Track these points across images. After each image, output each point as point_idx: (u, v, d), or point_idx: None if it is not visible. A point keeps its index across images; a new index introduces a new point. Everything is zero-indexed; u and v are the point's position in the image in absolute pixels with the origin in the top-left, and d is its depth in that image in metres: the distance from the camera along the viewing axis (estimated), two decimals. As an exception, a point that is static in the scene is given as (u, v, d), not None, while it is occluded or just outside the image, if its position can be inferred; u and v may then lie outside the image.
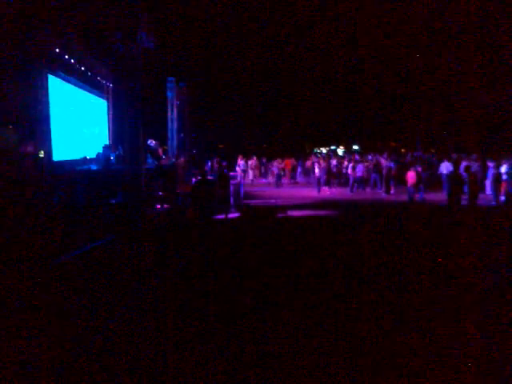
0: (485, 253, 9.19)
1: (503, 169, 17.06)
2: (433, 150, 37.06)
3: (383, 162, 21.65)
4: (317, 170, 21.11)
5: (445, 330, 5.32)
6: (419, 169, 17.34)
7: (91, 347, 4.88)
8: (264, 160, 29.70)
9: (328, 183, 20.71)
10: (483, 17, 29.81)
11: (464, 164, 18.50)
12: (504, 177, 16.78)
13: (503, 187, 16.71)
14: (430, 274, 7.67)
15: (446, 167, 21.52)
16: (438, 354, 4.78)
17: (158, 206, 14.87)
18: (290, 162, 27.46)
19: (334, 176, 25.36)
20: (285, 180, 26.32)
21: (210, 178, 14.53)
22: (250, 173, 26.74)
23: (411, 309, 6.04)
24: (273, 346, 4.96)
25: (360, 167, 20.58)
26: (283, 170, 26.31)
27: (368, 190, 20.62)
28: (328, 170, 21.02)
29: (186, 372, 4.42)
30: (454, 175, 14.47)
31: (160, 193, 15.51)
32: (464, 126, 37.78)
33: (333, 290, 6.84)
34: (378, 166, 20.96)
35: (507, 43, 30.06)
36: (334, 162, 26.66)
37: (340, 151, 49.82)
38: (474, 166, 18.59)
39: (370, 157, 26.17)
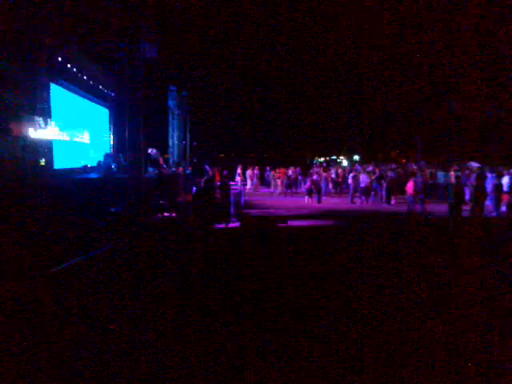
0: (485, 262, 9.17)
1: (505, 180, 16.93)
2: (430, 160, 37.10)
3: (388, 173, 21.58)
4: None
5: (444, 341, 5.31)
6: (419, 179, 17.31)
7: (91, 355, 4.87)
8: (267, 169, 29.70)
9: (310, 194, 20.63)
10: (485, 24, 30.01)
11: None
12: (505, 188, 16.66)
13: (504, 198, 16.62)
14: (430, 282, 7.65)
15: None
16: (437, 355, 4.77)
17: (159, 215, 14.88)
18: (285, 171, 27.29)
19: (337, 185, 25.41)
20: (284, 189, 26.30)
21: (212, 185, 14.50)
22: (250, 182, 26.75)
23: (411, 318, 6.01)
24: (273, 351, 4.95)
25: (364, 178, 20.56)
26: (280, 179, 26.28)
27: (369, 200, 20.59)
28: (313, 181, 21.01)
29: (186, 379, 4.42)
30: (454, 186, 14.47)
31: (161, 202, 15.52)
32: (464, 135, 37.90)
33: (334, 299, 6.81)
34: (381, 177, 20.92)
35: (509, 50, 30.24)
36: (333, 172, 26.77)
37: (345, 161, 49.97)
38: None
39: (370, 167, 26.14)
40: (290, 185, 24.56)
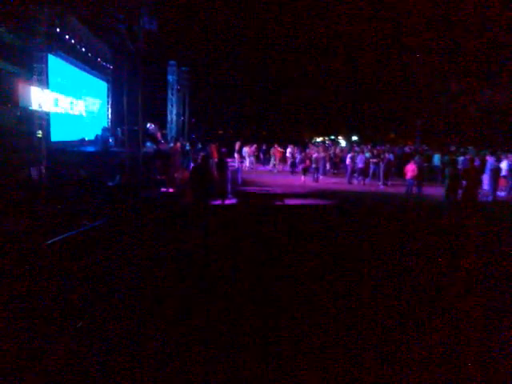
0: (483, 249, 9.22)
1: (504, 164, 16.84)
2: (428, 143, 36.99)
3: (386, 154, 21.54)
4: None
5: (445, 329, 5.33)
6: (419, 161, 17.25)
7: (84, 333, 4.90)
8: (263, 147, 29.55)
9: (305, 172, 20.67)
10: (483, 13, 29.74)
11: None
12: (504, 173, 16.57)
13: (502, 183, 16.55)
14: (429, 270, 7.69)
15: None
16: (437, 354, 4.77)
17: (156, 190, 14.86)
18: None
19: (335, 165, 25.36)
20: (281, 167, 26.32)
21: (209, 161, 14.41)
22: (248, 160, 26.67)
23: (410, 305, 6.02)
24: (272, 338, 4.98)
25: (361, 158, 20.52)
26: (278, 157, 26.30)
27: (367, 181, 20.58)
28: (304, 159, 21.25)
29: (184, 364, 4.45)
30: (451, 170, 14.42)
31: (158, 177, 15.49)
32: (464, 118, 37.80)
33: (331, 277, 6.85)
34: (380, 158, 20.92)
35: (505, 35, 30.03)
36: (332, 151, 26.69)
37: (343, 142, 49.84)
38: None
39: (367, 148, 26.10)
40: (294, 163, 24.42)
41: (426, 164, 20.85)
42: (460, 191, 12.72)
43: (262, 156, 29.32)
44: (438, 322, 5.45)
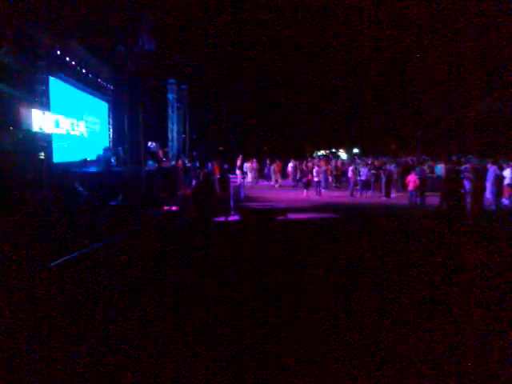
0: (485, 257, 9.17)
1: (507, 172, 16.73)
2: (430, 153, 37.04)
3: (388, 166, 21.62)
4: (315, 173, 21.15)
5: (445, 335, 5.29)
6: (419, 172, 17.24)
7: (90, 351, 4.86)
8: (267, 162, 29.63)
9: (307, 187, 20.72)
10: (483, 19, 29.95)
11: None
12: (508, 181, 16.44)
13: (506, 191, 16.44)
14: (430, 277, 7.64)
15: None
16: (437, 355, 4.74)
17: (159, 209, 14.86)
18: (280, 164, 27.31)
19: (336, 178, 25.37)
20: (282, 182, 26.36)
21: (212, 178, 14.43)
22: (250, 175, 26.71)
23: (411, 313, 5.99)
24: (274, 349, 4.93)
25: (364, 171, 20.55)
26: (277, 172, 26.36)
27: (369, 193, 20.57)
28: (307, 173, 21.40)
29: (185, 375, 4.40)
30: (448, 179, 14.38)
31: (161, 195, 15.49)
32: (464, 127, 37.88)
33: (335, 293, 6.81)
34: (382, 170, 20.98)
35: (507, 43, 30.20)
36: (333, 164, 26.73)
37: (343, 155, 49.99)
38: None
39: (369, 161, 26.18)
40: (301, 178, 24.39)
41: (430, 175, 20.85)
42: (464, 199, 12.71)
43: (266, 171, 29.38)
44: (438, 325, 5.43)
